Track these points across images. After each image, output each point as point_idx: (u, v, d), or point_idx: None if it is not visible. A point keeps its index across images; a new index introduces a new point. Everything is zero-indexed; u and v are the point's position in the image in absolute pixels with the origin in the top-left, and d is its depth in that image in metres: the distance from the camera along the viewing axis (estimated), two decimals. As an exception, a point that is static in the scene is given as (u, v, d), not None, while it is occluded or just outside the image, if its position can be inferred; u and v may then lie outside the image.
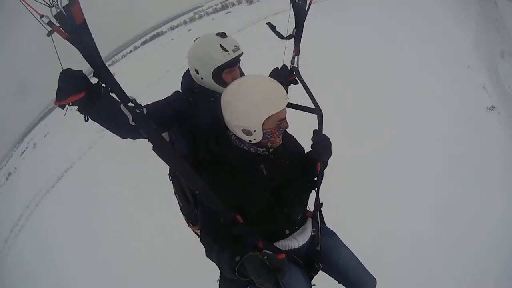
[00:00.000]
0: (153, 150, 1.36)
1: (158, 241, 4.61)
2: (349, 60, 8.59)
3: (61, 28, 1.07)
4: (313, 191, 1.89)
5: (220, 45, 1.81)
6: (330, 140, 1.76)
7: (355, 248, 1.86)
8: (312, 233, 1.79)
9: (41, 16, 1.03)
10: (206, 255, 1.58)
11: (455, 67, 8.98)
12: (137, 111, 1.32)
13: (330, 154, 1.76)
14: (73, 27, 1.08)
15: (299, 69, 2.12)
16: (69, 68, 1.27)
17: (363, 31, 10.99)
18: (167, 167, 2.10)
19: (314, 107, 1.95)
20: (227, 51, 1.80)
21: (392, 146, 5.81)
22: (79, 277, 4.16)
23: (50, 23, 1.03)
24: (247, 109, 1.48)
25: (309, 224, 1.82)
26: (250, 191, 1.57)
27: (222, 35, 1.85)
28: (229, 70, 1.87)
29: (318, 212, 1.86)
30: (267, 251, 1.35)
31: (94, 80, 1.30)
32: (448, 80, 8.80)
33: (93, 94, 1.33)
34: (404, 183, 5.13)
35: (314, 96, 1.98)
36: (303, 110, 1.99)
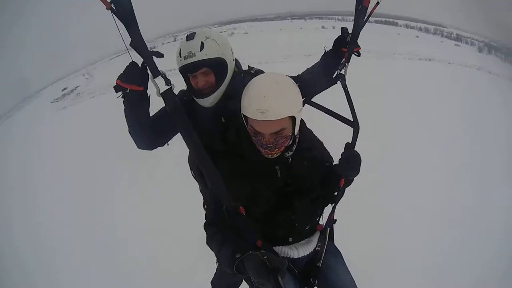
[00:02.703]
0: (174, 122, 1.46)
1: (161, 240, 4.54)
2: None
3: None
4: (330, 205, 1.82)
5: (180, 49, 1.77)
6: (361, 157, 1.65)
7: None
8: (317, 248, 1.74)
9: None
10: (207, 243, 1.58)
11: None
12: (166, 85, 1.44)
13: (357, 172, 1.65)
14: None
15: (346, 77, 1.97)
16: (143, 62, 1.43)
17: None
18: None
19: (351, 119, 1.81)
20: (180, 56, 1.76)
21: (393, 147, 5.84)
22: (77, 276, 4.09)
23: None
24: (242, 97, 1.45)
25: (315, 238, 1.76)
26: (258, 189, 1.53)
27: (188, 37, 1.77)
28: (190, 75, 1.82)
29: (328, 228, 1.79)
30: (268, 252, 1.32)
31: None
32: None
33: (143, 95, 1.58)
34: (405, 186, 5.15)
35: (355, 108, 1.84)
36: (338, 119, 1.86)
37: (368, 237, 3.99)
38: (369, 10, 1.80)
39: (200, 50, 1.71)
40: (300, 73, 2.10)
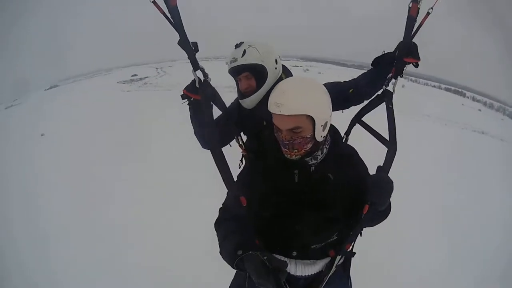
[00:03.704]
0: (200, 109, 1.74)
1: (166, 241, 4.41)
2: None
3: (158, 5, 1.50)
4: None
5: (229, 55, 1.97)
6: (393, 185, 1.41)
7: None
8: (322, 275, 1.60)
9: None
10: (214, 225, 1.58)
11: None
12: (204, 78, 1.69)
13: (385, 202, 1.42)
14: (168, 6, 1.49)
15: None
16: (205, 80, 1.71)
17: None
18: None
19: (388, 139, 1.63)
20: (228, 61, 1.96)
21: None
22: (78, 276, 3.96)
23: (154, 2, 1.46)
24: None
25: (323, 263, 1.61)
26: (273, 188, 1.49)
27: (236, 46, 1.96)
28: (237, 79, 2.00)
29: (339, 257, 1.59)
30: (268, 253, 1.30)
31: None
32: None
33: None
34: (404, 188, 5.17)
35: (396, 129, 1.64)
36: (375, 136, 1.75)
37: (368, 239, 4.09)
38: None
39: (242, 56, 1.88)
40: (355, 78, 2.07)
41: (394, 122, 1.64)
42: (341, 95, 1.75)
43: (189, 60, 1.63)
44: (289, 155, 1.43)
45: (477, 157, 10.59)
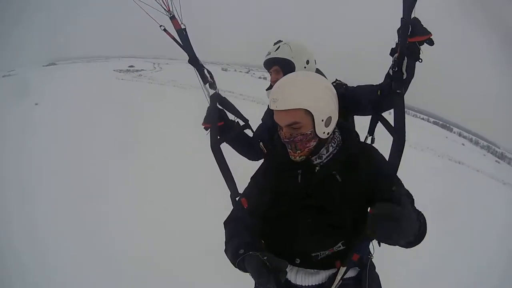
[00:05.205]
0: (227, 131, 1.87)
1: (161, 239, 4.40)
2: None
3: (168, 30, 1.70)
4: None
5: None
6: (401, 221, 0.97)
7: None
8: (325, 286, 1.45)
9: (160, 25, 1.64)
10: (224, 224, 1.53)
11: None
12: (213, 90, 1.85)
13: (387, 240, 1.02)
14: (176, 31, 1.69)
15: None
16: (217, 106, 1.85)
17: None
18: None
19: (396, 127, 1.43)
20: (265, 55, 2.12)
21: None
22: (77, 276, 3.90)
23: (164, 30, 1.66)
24: None
25: (327, 274, 1.46)
26: (277, 188, 1.43)
27: (274, 43, 2.12)
28: (269, 72, 2.14)
29: (341, 268, 1.41)
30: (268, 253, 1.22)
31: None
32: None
33: (228, 125, 1.89)
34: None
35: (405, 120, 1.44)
36: (383, 125, 1.65)
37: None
38: None
39: (275, 51, 2.04)
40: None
41: (404, 109, 1.45)
42: (371, 97, 1.72)
43: (193, 67, 1.80)
44: (293, 157, 1.37)
45: (446, 181, 10.83)
